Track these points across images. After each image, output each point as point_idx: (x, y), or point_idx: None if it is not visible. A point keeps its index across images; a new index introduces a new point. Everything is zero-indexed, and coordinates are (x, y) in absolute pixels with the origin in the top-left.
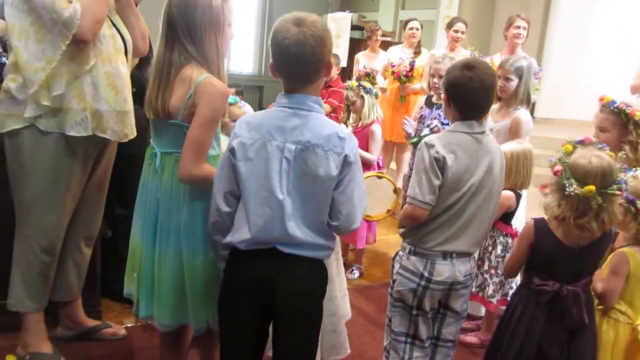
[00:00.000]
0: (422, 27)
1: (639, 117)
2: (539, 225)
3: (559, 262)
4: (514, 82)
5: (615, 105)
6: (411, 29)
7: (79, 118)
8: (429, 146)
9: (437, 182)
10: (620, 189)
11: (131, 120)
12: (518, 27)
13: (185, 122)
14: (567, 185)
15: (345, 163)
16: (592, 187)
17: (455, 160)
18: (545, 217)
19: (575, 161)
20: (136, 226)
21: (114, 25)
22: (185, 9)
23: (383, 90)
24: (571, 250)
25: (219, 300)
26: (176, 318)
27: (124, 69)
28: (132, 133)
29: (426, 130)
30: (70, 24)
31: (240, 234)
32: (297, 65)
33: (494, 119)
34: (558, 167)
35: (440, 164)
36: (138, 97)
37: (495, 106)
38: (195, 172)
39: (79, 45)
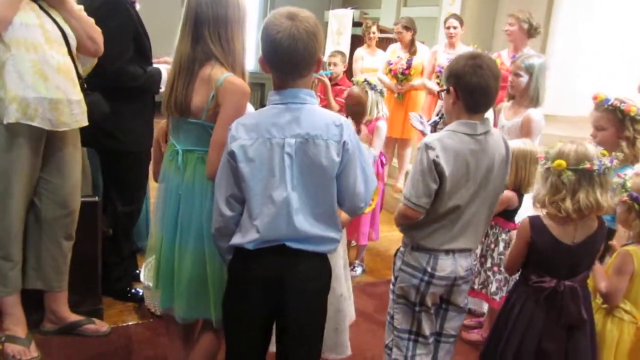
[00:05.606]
0: (407, 28)
1: (635, 112)
2: (535, 223)
3: (555, 259)
4: (524, 78)
5: (610, 103)
6: (397, 32)
7: (3, 106)
8: (429, 148)
9: (433, 186)
10: (592, 163)
11: (73, 109)
12: (506, 24)
13: (208, 122)
14: (541, 165)
15: (344, 150)
16: (561, 161)
17: (455, 164)
18: (541, 215)
19: (554, 147)
20: (155, 221)
21: (53, 18)
22: (216, 6)
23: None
24: (566, 246)
25: (224, 299)
26: (195, 311)
27: (62, 58)
28: (77, 122)
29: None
30: None
31: (249, 235)
32: (289, 59)
33: (506, 116)
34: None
35: (439, 168)
36: (135, 92)
37: (507, 103)
38: None
39: None
